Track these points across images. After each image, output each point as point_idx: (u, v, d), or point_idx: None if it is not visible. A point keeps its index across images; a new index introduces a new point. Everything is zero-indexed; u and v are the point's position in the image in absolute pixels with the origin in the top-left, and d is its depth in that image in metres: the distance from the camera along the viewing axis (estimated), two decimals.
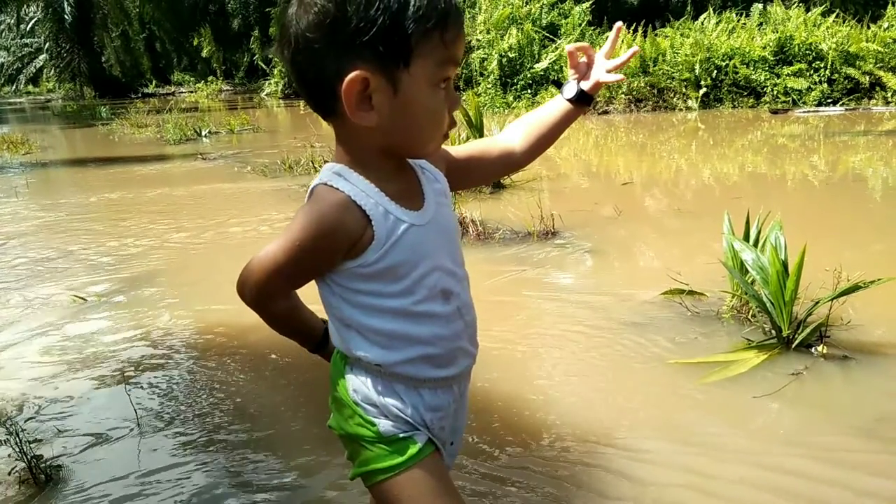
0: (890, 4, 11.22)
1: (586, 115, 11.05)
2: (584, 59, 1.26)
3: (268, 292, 1.07)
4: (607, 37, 1.28)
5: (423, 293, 1.02)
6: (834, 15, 11.69)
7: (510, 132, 1.27)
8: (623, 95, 11.33)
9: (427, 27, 0.90)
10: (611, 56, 1.25)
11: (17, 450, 1.97)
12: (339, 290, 1.03)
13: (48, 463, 2.00)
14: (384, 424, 1.05)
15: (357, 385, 1.07)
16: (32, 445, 2.03)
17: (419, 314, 1.03)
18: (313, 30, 0.92)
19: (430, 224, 1.03)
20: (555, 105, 1.26)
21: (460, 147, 1.23)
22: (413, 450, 1.05)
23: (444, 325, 1.05)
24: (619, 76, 1.23)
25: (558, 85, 1.31)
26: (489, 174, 1.28)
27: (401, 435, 1.06)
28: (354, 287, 1.01)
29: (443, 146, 1.12)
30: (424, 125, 0.98)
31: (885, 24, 10.95)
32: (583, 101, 1.25)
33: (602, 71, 1.24)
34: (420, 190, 1.06)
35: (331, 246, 0.98)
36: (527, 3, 14.28)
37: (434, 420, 1.08)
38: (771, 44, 10.99)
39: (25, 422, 2.26)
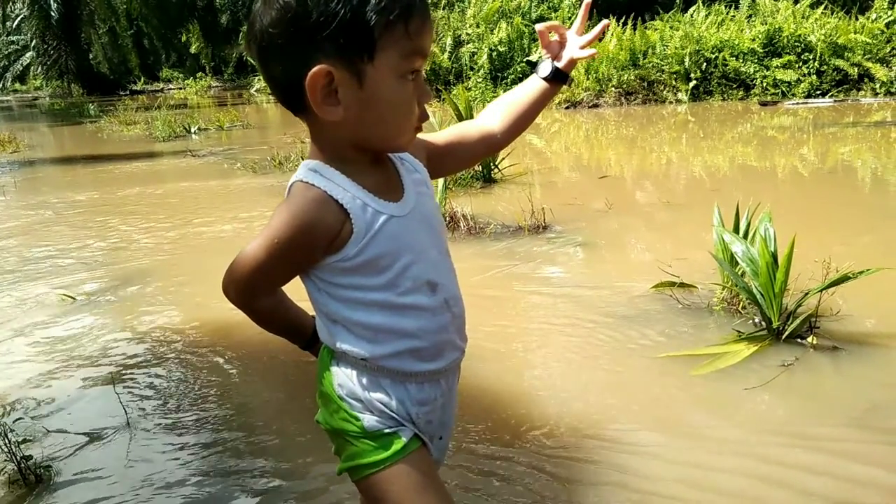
0: None
1: (576, 109, 11.05)
2: (556, 37, 1.25)
3: (251, 290, 1.07)
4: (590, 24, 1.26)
5: (408, 284, 1.02)
6: (822, 7, 11.71)
7: (488, 114, 1.26)
8: (613, 89, 11.34)
9: (390, 18, 0.89)
10: (582, 32, 1.24)
11: (7, 450, 1.96)
12: (323, 286, 1.03)
13: (38, 463, 1.99)
14: (368, 419, 1.05)
15: (342, 379, 1.07)
16: (22, 446, 2.02)
17: (404, 306, 1.02)
18: (276, 25, 0.91)
19: (411, 215, 1.03)
20: (531, 85, 1.25)
21: (440, 133, 1.22)
22: (398, 445, 1.05)
23: (430, 318, 1.04)
24: (592, 51, 1.21)
25: (532, 64, 1.28)
26: (470, 158, 1.27)
27: (385, 430, 1.05)
28: (337, 281, 1.01)
29: (422, 134, 1.11)
30: (392, 118, 0.97)
31: (873, 16, 10.98)
32: (558, 80, 1.24)
33: (575, 48, 1.22)
34: (399, 181, 1.05)
35: (309, 242, 0.98)
36: None
37: (420, 414, 1.08)
38: (760, 36, 11.00)
39: (14, 422, 2.24)
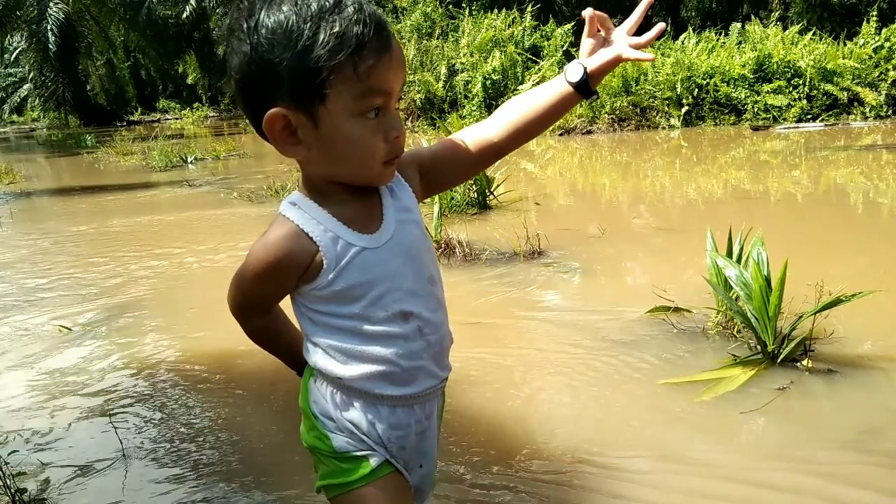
0: (865, 21, 11.44)
1: (570, 136, 11.14)
2: (603, 32, 1.13)
3: (240, 309, 1.15)
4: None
5: (381, 314, 1.04)
6: (811, 33, 11.90)
7: (494, 117, 1.17)
8: (606, 115, 11.45)
9: (338, 61, 0.90)
10: (633, 33, 1.12)
11: (1, 483, 1.94)
12: (304, 310, 1.07)
13: (32, 496, 1.98)
14: (338, 440, 1.08)
15: (317, 397, 1.10)
16: (16, 478, 2.00)
17: (376, 334, 1.04)
18: (238, 71, 0.96)
19: (388, 245, 1.04)
20: (553, 87, 1.13)
21: (433, 145, 1.19)
22: (364, 470, 1.07)
23: (402, 344, 1.06)
24: (650, 55, 1.09)
25: (571, 58, 1.15)
26: (469, 167, 1.19)
27: (354, 453, 1.07)
28: (315, 307, 1.05)
29: (415, 148, 1.15)
30: (353, 156, 0.98)
31: (861, 41, 11.15)
32: (582, 90, 1.12)
33: (624, 45, 1.09)
34: (380, 211, 1.06)
35: (279, 273, 1.03)
36: (509, 25, 14.45)
37: (392, 438, 1.09)
38: (750, 62, 11.16)
39: (9, 454, 2.23)
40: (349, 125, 0.95)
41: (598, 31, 1.13)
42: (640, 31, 1.13)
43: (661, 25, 1.12)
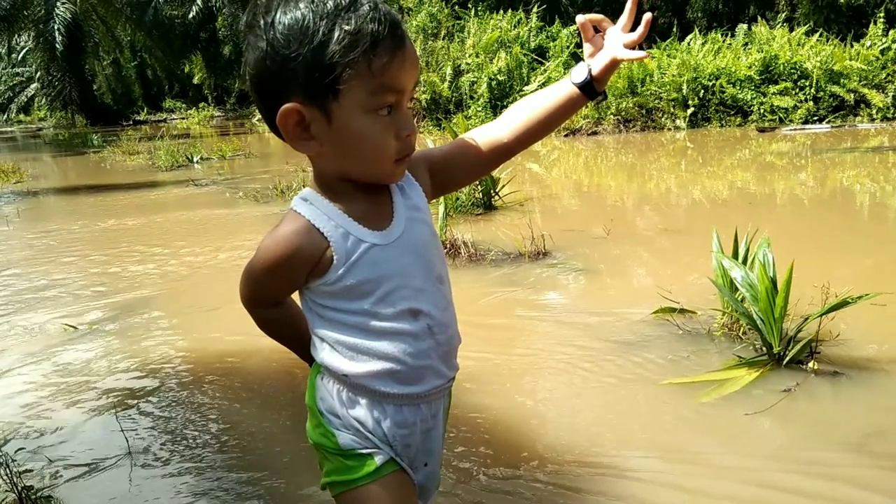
0: (872, 23, 11.40)
1: (576, 137, 11.13)
2: (602, 31, 1.13)
3: (251, 301, 1.16)
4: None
5: (389, 311, 1.04)
6: (817, 34, 11.86)
7: (503, 118, 1.19)
8: (612, 116, 11.44)
9: (352, 58, 0.91)
10: (629, 29, 1.11)
11: (8, 480, 1.95)
12: (312, 305, 1.08)
13: (39, 493, 1.98)
14: (343, 437, 1.08)
15: (324, 394, 1.10)
16: (23, 475, 2.02)
17: (384, 331, 1.05)
18: (254, 66, 0.97)
19: (397, 243, 1.05)
20: (560, 89, 1.15)
21: (443, 146, 1.21)
22: (369, 467, 1.07)
23: (410, 343, 1.06)
24: (643, 53, 1.09)
25: (577, 59, 1.13)
26: (479, 167, 1.20)
27: (360, 450, 1.08)
28: (323, 302, 1.06)
29: (425, 149, 1.14)
30: (364, 152, 0.99)
31: (868, 43, 11.11)
32: (587, 91, 1.13)
33: (618, 46, 1.10)
34: (391, 208, 1.07)
35: (289, 268, 1.04)
36: (515, 26, 14.45)
37: (397, 437, 1.09)
38: (756, 63, 11.13)
39: (16, 452, 2.24)
40: (362, 121, 0.96)
41: (598, 31, 1.13)
42: (636, 25, 1.12)
43: (647, 16, 1.09)
